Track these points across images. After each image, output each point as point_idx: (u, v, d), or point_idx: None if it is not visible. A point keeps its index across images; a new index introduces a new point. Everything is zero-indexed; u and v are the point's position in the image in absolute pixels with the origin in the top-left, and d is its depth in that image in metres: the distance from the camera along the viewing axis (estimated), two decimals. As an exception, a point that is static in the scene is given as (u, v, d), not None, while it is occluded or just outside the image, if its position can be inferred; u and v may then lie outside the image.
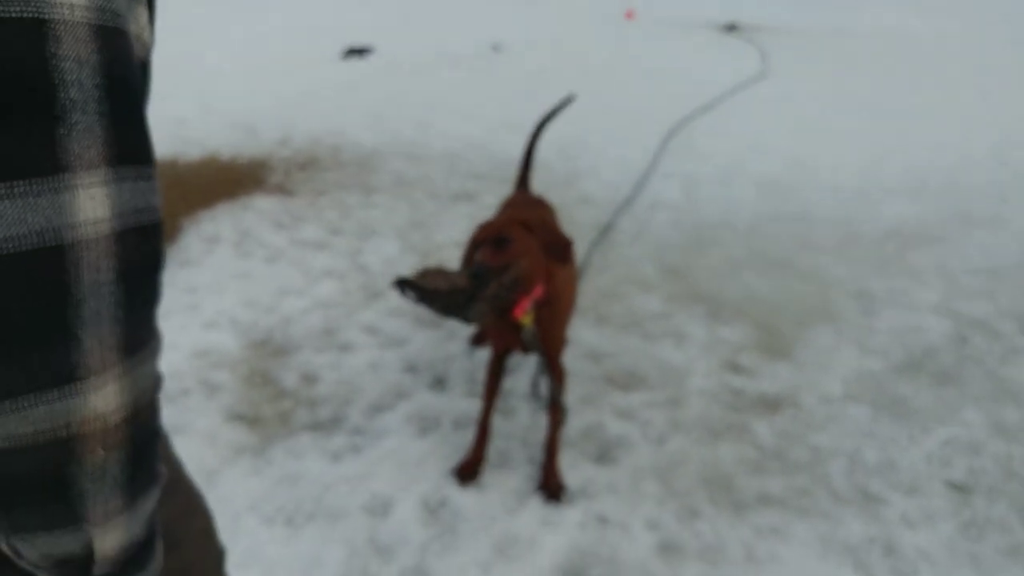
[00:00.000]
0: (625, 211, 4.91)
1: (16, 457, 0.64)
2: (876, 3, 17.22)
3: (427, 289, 2.23)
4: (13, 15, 0.58)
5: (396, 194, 5.15)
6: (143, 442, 0.70)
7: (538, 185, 5.08)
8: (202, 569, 1.14)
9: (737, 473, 2.76)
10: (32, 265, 0.60)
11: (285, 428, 2.91)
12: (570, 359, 3.27)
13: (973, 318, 3.79)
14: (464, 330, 3.53)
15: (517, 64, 8.90)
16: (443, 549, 2.38)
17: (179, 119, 6.32)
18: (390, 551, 2.37)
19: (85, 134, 0.61)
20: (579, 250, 4.16)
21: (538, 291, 2.44)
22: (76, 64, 0.61)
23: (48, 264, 0.61)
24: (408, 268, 4.07)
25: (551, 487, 2.60)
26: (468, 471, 2.66)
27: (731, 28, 12.09)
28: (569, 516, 2.53)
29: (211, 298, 3.77)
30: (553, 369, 2.63)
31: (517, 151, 5.67)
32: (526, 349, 2.57)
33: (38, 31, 0.59)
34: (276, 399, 3.07)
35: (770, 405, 3.13)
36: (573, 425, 2.91)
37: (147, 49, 0.74)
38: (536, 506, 2.56)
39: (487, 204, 4.90)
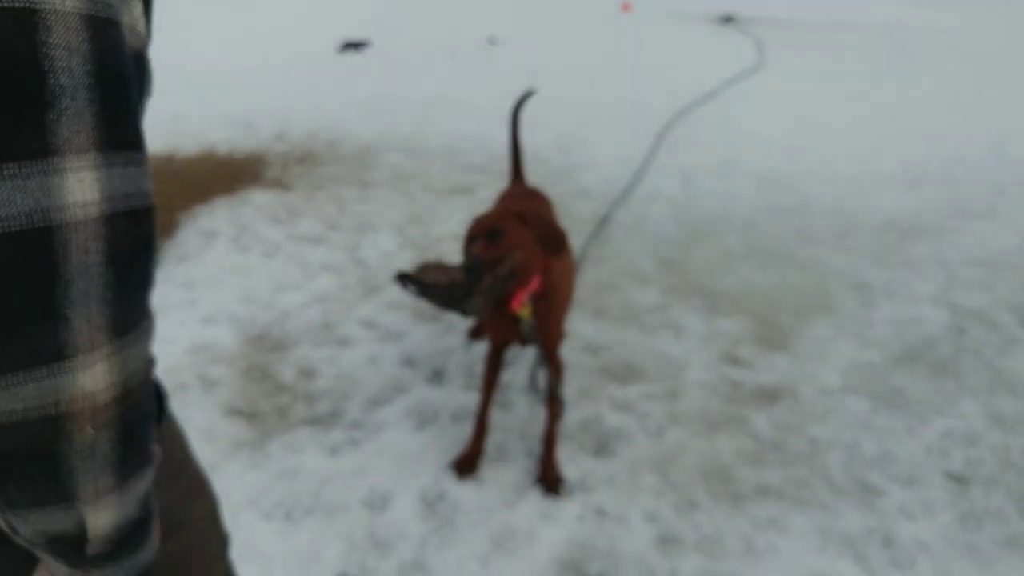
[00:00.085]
0: (622, 204, 4.91)
1: (7, 434, 0.65)
2: (873, -6, 17.23)
3: (426, 283, 2.24)
4: (5, 5, 0.60)
5: (393, 188, 5.15)
6: (134, 422, 0.72)
7: (535, 178, 5.07)
8: (205, 553, 1.14)
9: (735, 465, 2.76)
10: (21, 245, 0.62)
11: (283, 423, 2.91)
12: (568, 352, 3.27)
13: (971, 309, 3.79)
14: (462, 323, 3.53)
15: (513, 57, 8.88)
16: (442, 543, 2.39)
17: (176, 114, 6.31)
18: (389, 545, 2.37)
19: (75, 119, 0.63)
20: (576, 243, 4.16)
21: (535, 283, 2.43)
22: (66, 52, 0.62)
23: (37, 245, 0.62)
24: (406, 262, 4.07)
25: (549, 480, 2.60)
26: (466, 464, 2.66)
27: (727, 20, 12.08)
28: (567, 509, 2.53)
29: (208, 293, 3.76)
30: (551, 362, 2.63)
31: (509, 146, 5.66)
32: (524, 342, 2.57)
33: (29, 20, 0.61)
34: (274, 394, 3.07)
35: (768, 397, 3.13)
36: (571, 418, 2.91)
37: (142, 40, 0.76)
38: (534, 499, 2.57)
39: (484, 197, 4.90)
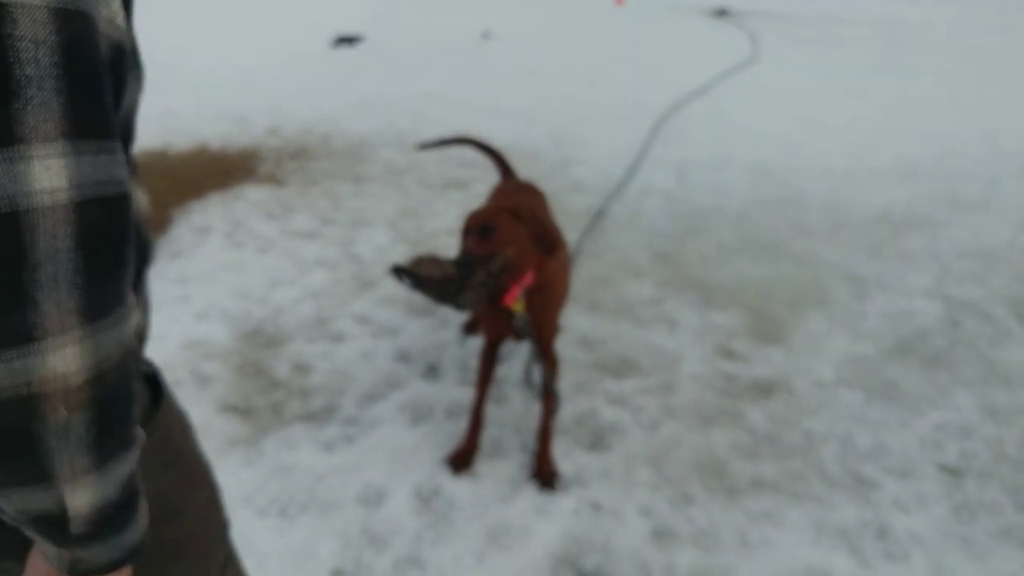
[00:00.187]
0: (617, 198, 4.91)
1: None
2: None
3: (421, 276, 2.27)
4: None
5: (387, 183, 5.14)
6: (109, 405, 0.73)
7: (529, 172, 5.06)
8: (205, 539, 1.15)
9: (730, 458, 2.76)
10: None
11: (277, 419, 2.91)
12: (562, 346, 3.27)
13: (964, 302, 3.80)
14: (456, 318, 3.52)
15: (507, 52, 8.87)
16: (437, 538, 2.39)
17: (169, 110, 6.29)
18: (384, 541, 2.37)
19: (41, 108, 0.65)
20: (571, 237, 4.16)
21: (529, 278, 2.44)
22: (32, 44, 0.64)
23: (4, 229, 0.64)
24: (400, 257, 4.06)
25: (544, 475, 2.61)
26: (461, 460, 2.66)
27: (721, 13, 12.07)
28: (563, 503, 2.53)
29: (202, 289, 3.75)
30: (546, 356, 2.63)
31: (508, 139, 5.66)
32: (518, 336, 2.57)
33: None
34: (268, 390, 3.07)
35: (763, 390, 3.13)
36: (566, 412, 2.91)
37: (121, 32, 0.77)
38: (530, 494, 2.57)
39: (478, 192, 4.89)
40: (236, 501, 2.50)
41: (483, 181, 5.03)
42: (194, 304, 3.62)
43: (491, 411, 2.93)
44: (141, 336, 1.00)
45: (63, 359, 0.68)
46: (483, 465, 2.69)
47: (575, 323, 3.49)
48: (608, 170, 5.37)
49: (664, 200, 4.94)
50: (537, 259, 2.44)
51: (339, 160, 5.52)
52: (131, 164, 0.94)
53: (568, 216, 4.45)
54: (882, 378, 3.22)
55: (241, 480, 2.60)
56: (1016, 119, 6.64)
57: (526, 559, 2.32)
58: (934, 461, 2.77)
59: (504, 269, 2.33)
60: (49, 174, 0.65)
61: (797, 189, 5.17)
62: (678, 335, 3.48)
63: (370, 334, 3.43)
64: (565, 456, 2.73)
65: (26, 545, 0.87)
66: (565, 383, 3.05)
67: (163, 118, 6.11)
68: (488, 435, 2.81)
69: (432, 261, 2.36)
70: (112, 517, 0.79)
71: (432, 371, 3.20)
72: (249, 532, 2.38)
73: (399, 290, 3.71)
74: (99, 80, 0.71)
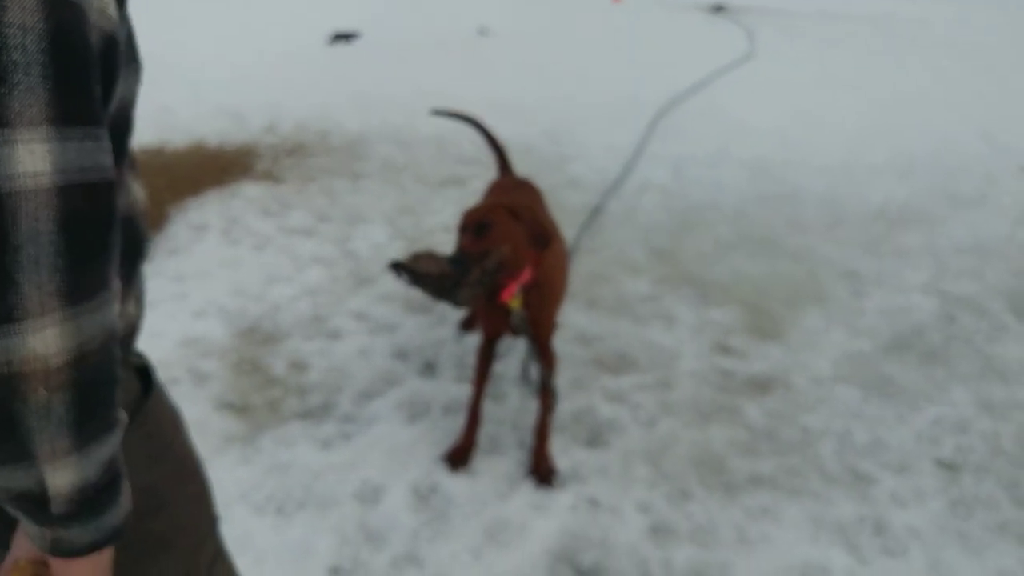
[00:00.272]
0: (614, 194, 4.91)
1: None
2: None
3: (419, 272, 2.29)
4: None
5: (384, 179, 5.13)
6: (90, 387, 0.74)
7: (526, 168, 5.05)
8: (194, 533, 1.15)
9: (728, 455, 2.76)
10: None
11: (275, 416, 2.90)
12: (560, 343, 3.27)
13: (961, 297, 3.80)
14: (453, 315, 3.52)
15: (504, 48, 8.85)
16: (434, 535, 2.39)
17: (165, 107, 6.27)
18: (381, 538, 2.37)
19: (27, 94, 0.66)
20: (568, 234, 4.15)
21: (526, 275, 2.44)
22: (20, 31, 0.66)
23: None
24: (397, 254, 4.06)
25: (542, 471, 2.61)
26: (459, 457, 2.66)
27: (718, 9, 12.06)
28: (560, 500, 2.53)
29: (199, 286, 3.75)
30: (543, 353, 2.63)
31: (505, 135, 5.63)
32: (516, 333, 2.57)
33: None
34: (265, 387, 3.06)
35: (760, 386, 3.13)
36: (563, 409, 2.91)
37: (113, 23, 0.78)
38: (527, 491, 2.57)
39: (476, 189, 4.88)
40: (233, 499, 2.50)
41: (480, 178, 5.03)
42: (191, 302, 3.62)
43: (488, 408, 2.92)
44: (134, 328, 1.01)
45: (43, 340, 0.70)
46: (481, 462, 2.69)
47: (572, 320, 3.49)
48: (605, 166, 5.37)
49: (661, 196, 4.94)
50: (534, 256, 2.44)
51: (336, 157, 5.51)
52: (130, 157, 0.96)
53: (565, 213, 4.45)
54: (879, 374, 3.23)
55: (238, 478, 2.59)
56: (1013, 115, 6.64)
57: (524, 556, 2.32)
58: (931, 456, 2.78)
59: (500, 267, 2.33)
60: (33, 158, 0.67)
61: (794, 185, 5.17)
62: (675, 331, 3.48)
63: (367, 331, 3.42)
64: (563, 453, 2.73)
65: (12, 529, 0.88)
66: (562, 380, 3.05)
67: (159, 115, 6.10)
68: (485, 432, 2.81)
69: (430, 257, 2.38)
70: (93, 499, 0.79)
71: (429, 368, 3.20)
72: (246, 529, 2.38)
73: (396, 287, 3.71)
74: (86, 68, 0.72)
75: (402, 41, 8.89)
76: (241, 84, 7.14)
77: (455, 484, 2.59)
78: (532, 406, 2.91)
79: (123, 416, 0.83)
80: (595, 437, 2.83)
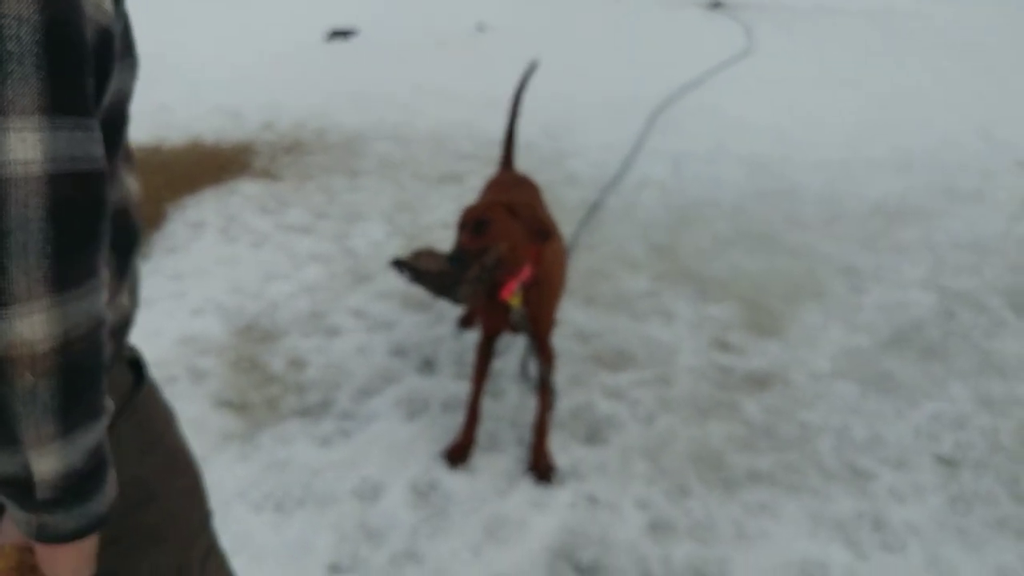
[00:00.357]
0: (612, 190, 4.90)
1: None
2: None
3: (420, 269, 2.30)
4: None
5: (382, 176, 5.13)
6: (76, 373, 0.75)
7: (524, 165, 5.05)
8: (185, 526, 1.16)
9: (726, 451, 2.76)
10: None
11: (273, 414, 2.90)
12: (558, 339, 3.27)
13: (959, 293, 3.80)
14: (452, 312, 3.52)
15: (502, 44, 8.84)
16: (433, 532, 2.39)
17: (162, 104, 6.26)
18: (380, 535, 2.37)
19: (20, 83, 0.68)
20: (567, 230, 4.15)
21: (525, 273, 2.44)
22: (16, 21, 0.67)
23: None
24: (395, 251, 4.05)
25: (541, 468, 2.61)
26: (458, 454, 2.66)
27: (716, 5, 12.04)
28: (559, 497, 2.53)
29: (197, 284, 3.74)
30: (542, 350, 2.63)
31: (503, 131, 5.64)
32: (515, 330, 2.57)
33: None
34: (264, 385, 3.06)
35: (759, 382, 3.13)
36: (562, 405, 2.91)
37: (109, 17, 0.79)
38: (526, 487, 2.57)
39: (474, 185, 4.88)
40: (231, 496, 2.50)
41: (478, 174, 5.02)
42: (189, 299, 3.61)
43: (487, 405, 2.92)
44: (128, 320, 1.02)
45: (30, 326, 0.71)
46: (479, 459, 2.69)
47: (571, 316, 3.49)
48: (603, 162, 5.37)
49: (659, 192, 4.94)
50: (534, 253, 2.45)
51: (334, 154, 5.51)
52: (125, 150, 0.97)
53: (563, 209, 4.44)
54: (878, 370, 3.23)
55: (236, 475, 2.59)
56: (1011, 110, 6.64)
57: (523, 553, 2.32)
58: (930, 452, 2.78)
59: (498, 264, 2.34)
60: (24, 146, 0.68)
61: (792, 181, 5.16)
62: (674, 328, 3.47)
63: (365, 328, 3.42)
64: (561, 449, 2.73)
65: (0, 515, 0.89)
66: (561, 376, 3.05)
67: (156, 113, 6.09)
68: (484, 429, 2.81)
69: (430, 255, 2.40)
70: (78, 485, 0.80)
71: (428, 365, 3.20)
72: (245, 527, 2.38)
73: (395, 284, 3.71)
74: (80, 60, 0.73)
75: (400, 38, 8.88)
76: (238, 82, 7.13)
77: (454, 481, 2.59)
78: (531, 403, 2.91)
79: (110, 404, 0.84)
80: (594, 434, 2.83)
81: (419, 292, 3.59)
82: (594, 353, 3.28)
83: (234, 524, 2.38)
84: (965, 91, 7.26)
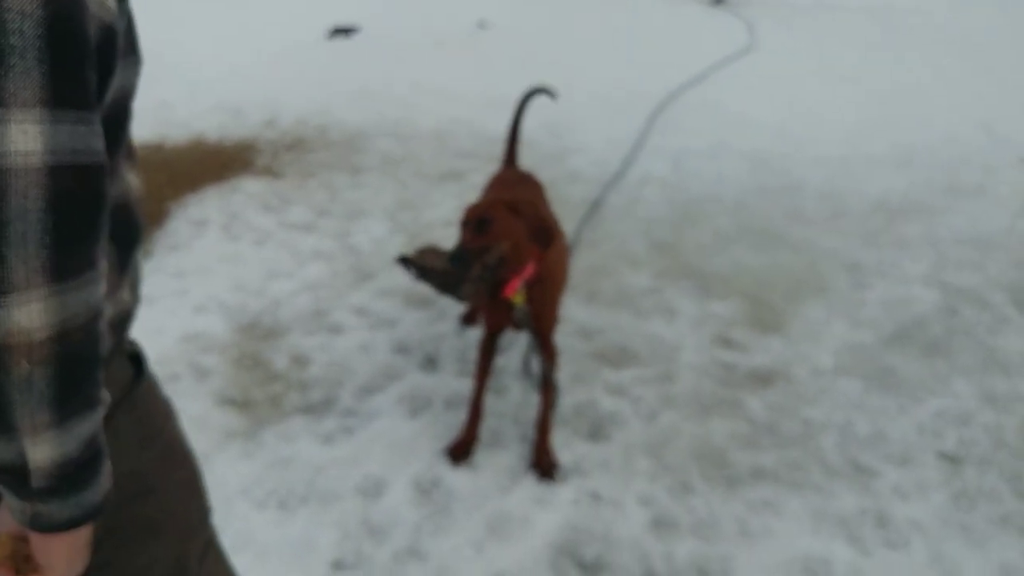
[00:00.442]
0: (614, 187, 4.90)
1: None
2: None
3: (425, 266, 2.32)
4: None
5: (384, 174, 5.12)
6: (72, 363, 0.76)
7: (526, 162, 5.03)
8: (184, 521, 1.17)
9: (729, 448, 2.76)
10: None
11: (276, 411, 2.90)
12: (561, 336, 3.26)
13: (962, 289, 3.80)
14: (454, 309, 3.52)
15: (503, 41, 8.83)
16: (436, 529, 2.39)
17: (164, 102, 6.26)
18: (383, 532, 2.37)
19: (22, 76, 0.69)
20: (569, 227, 4.14)
21: (529, 271, 2.44)
22: (19, 16, 0.68)
23: None
24: (397, 249, 4.05)
25: (544, 465, 2.61)
26: (460, 451, 2.66)
27: (718, 2, 12.02)
28: (562, 494, 2.53)
29: (199, 282, 3.75)
30: (545, 347, 2.63)
31: (504, 129, 5.64)
32: (518, 327, 2.57)
33: None
34: (266, 382, 3.06)
35: (761, 379, 3.13)
36: (565, 402, 2.91)
37: (113, 14, 0.80)
38: (529, 484, 2.57)
39: (475, 183, 4.87)
40: (234, 494, 2.50)
41: (480, 171, 5.02)
42: (192, 297, 3.61)
43: (490, 402, 2.92)
44: (128, 314, 1.03)
45: (28, 314, 0.71)
46: (482, 456, 2.69)
47: (573, 313, 3.49)
48: (605, 159, 5.36)
49: (661, 189, 4.93)
50: (537, 252, 2.45)
51: (336, 151, 5.50)
52: (128, 147, 0.98)
53: (565, 206, 4.44)
54: (881, 366, 3.22)
55: (240, 473, 2.59)
56: (1012, 106, 6.62)
57: (526, 549, 2.32)
58: (933, 449, 2.78)
59: (500, 263, 2.34)
60: (25, 138, 0.69)
61: (794, 177, 5.16)
62: (676, 324, 3.47)
63: (368, 326, 3.42)
64: (564, 446, 2.73)
65: None
66: (564, 373, 3.05)
67: (158, 110, 6.09)
68: (487, 426, 2.81)
69: (434, 252, 2.41)
70: (73, 474, 0.81)
71: (430, 362, 3.20)
72: (248, 525, 2.38)
73: (397, 281, 3.71)
74: (82, 55, 0.74)
75: (401, 35, 8.87)
76: (240, 79, 7.13)
77: (457, 478, 2.59)
78: (534, 400, 2.91)
79: (106, 396, 0.84)
80: (596, 430, 2.83)
81: (421, 289, 3.59)
82: (597, 350, 3.27)
83: (237, 522, 2.38)
84: (966, 87, 7.25)
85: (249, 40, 8.37)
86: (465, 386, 2.98)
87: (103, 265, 0.79)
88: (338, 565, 2.26)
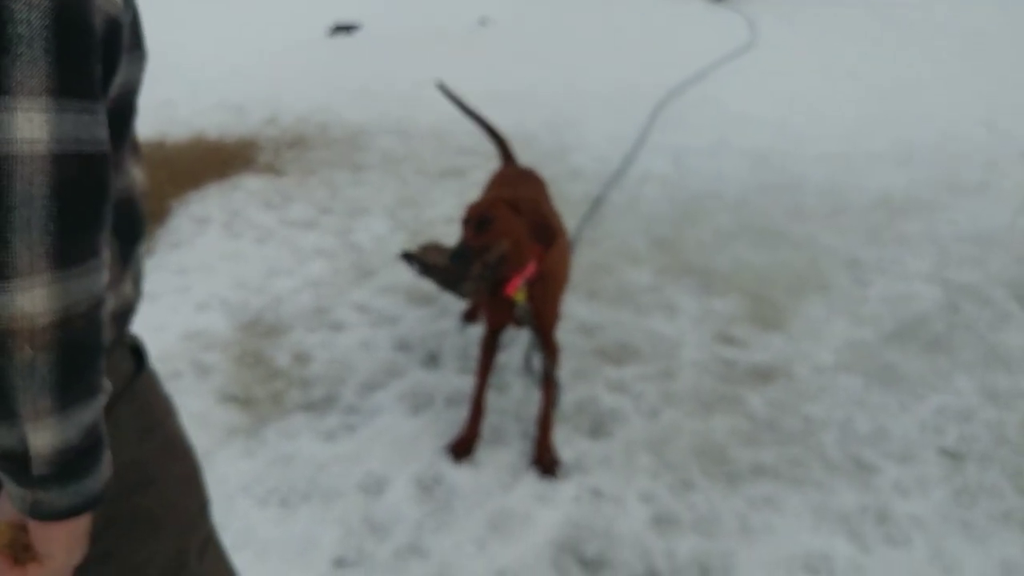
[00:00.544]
0: (615, 184, 4.90)
1: None
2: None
3: (427, 263, 2.33)
4: None
5: (385, 171, 5.13)
6: (75, 350, 0.77)
7: (527, 159, 5.04)
8: (185, 514, 1.17)
9: (730, 444, 2.76)
10: None
11: (278, 408, 2.91)
12: (562, 333, 3.26)
13: (964, 285, 3.80)
14: (456, 306, 3.52)
15: (504, 38, 8.83)
16: (438, 526, 2.39)
17: (166, 100, 6.26)
18: (385, 529, 2.38)
19: (29, 65, 0.70)
20: (569, 224, 4.14)
21: (530, 269, 2.45)
22: (26, 6, 0.69)
23: None
24: (398, 246, 4.05)
25: (545, 462, 2.61)
26: (462, 448, 2.67)
27: (719, -2, 12.01)
28: (564, 491, 2.53)
29: (201, 279, 3.75)
30: (546, 344, 2.64)
31: (505, 126, 5.63)
32: (519, 324, 2.58)
33: None
34: (268, 380, 3.07)
35: (762, 376, 3.13)
36: (566, 399, 2.91)
37: (118, 8, 0.82)
38: (531, 481, 2.57)
39: (476, 180, 4.87)
40: (236, 491, 2.50)
41: (481, 169, 5.02)
42: (193, 295, 3.62)
43: (491, 399, 2.92)
44: (130, 308, 1.04)
45: (31, 299, 0.72)
46: (484, 453, 2.70)
47: (574, 310, 3.49)
48: (606, 156, 5.36)
49: (662, 186, 4.93)
50: (538, 250, 2.45)
51: (337, 149, 5.51)
52: (132, 141, 0.99)
53: (566, 203, 4.43)
54: (882, 363, 3.22)
55: (241, 470, 2.60)
56: (1014, 102, 6.61)
57: (527, 546, 2.33)
58: (934, 445, 2.78)
59: (501, 261, 2.35)
60: (31, 126, 0.70)
61: (795, 174, 5.15)
62: (677, 321, 3.47)
63: (369, 323, 3.42)
64: (566, 443, 2.73)
65: None
66: (565, 370, 3.05)
67: (160, 108, 6.10)
68: (489, 423, 2.81)
69: (437, 249, 2.42)
70: (74, 461, 0.81)
71: (432, 359, 3.20)
72: (250, 522, 2.39)
73: (398, 278, 3.71)
74: (87, 46, 0.75)
75: (403, 32, 8.87)
76: (241, 77, 7.13)
77: (459, 475, 2.59)
78: (535, 397, 2.91)
79: (107, 384, 0.85)
80: (598, 427, 2.83)
81: (423, 286, 3.60)
82: (598, 347, 3.28)
83: (239, 519, 2.39)
84: (967, 83, 7.24)
85: (251, 38, 8.37)
86: (467, 383, 2.98)
87: (106, 254, 0.80)
88: (340, 562, 2.27)
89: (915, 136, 5.83)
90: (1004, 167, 5.29)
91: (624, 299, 3.64)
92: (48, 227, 0.72)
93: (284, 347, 3.26)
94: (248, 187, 4.79)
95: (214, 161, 5.17)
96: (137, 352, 1.09)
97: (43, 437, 0.78)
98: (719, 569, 2.28)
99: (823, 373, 3.15)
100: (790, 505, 2.50)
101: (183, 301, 3.56)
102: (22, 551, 0.89)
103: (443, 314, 3.49)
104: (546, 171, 4.60)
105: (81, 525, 0.88)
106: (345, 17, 9.41)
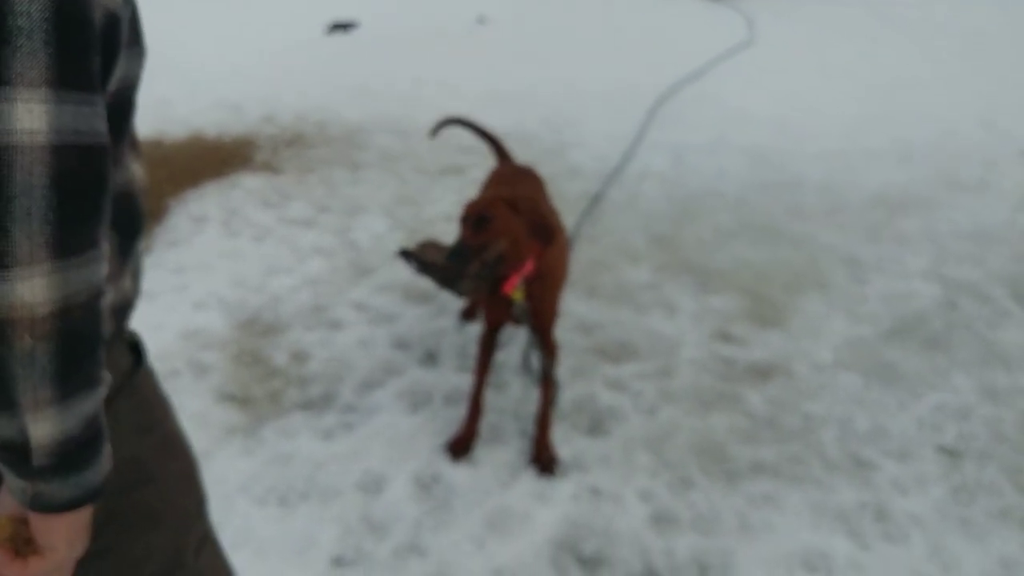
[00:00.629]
0: (614, 182, 4.89)
1: None
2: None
3: (425, 261, 2.33)
4: None
5: (383, 169, 5.12)
6: (74, 340, 0.77)
7: (525, 157, 5.04)
8: (183, 511, 1.18)
9: (729, 442, 2.76)
10: None
11: (276, 407, 2.90)
12: (561, 331, 3.26)
13: (962, 283, 3.80)
14: (454, 305, 3.52)
15: (502, 36, 8.82)
16: (437, 525, 2.39)
17: (163, 99, 6.25)
18: (384, 528, 2.38)
19: (28, 57, 0.71)
20: (568, 221, 4.14)
21: (528, 267, 2.44)
22: None
23: None
24: (397, 244, 4.05)
25: (544, 460, 2.61)
26: (460, 446, 2.66)
27: (718, -4, 12.00)
28: (562, 489, 2.53)
29: (199, 278, 3.75)
30: (545, 343, 2.64)
31: (504, 124, 5.63)
32: (518, 322, 2.58)
33: None
34: (266, 378, 3.06)
35: (761, 374, 3.13)
36: (565, 397, 2.91)
37: (117, 3, 0.83)
38: (529, 480, 2.57)
39: (475, 178, 4.87)
40: (234, 490, 2.50)
41: (480, 167, 5.01)
42: (191, 293, 3.61)
43: (490, 397, 2.92)
44: (130, 303, 1.04)
45: (31, 289, 0.72)
46: (482, 451, 2.69)
47: (573, 308, 3.49)
48: (605, 154, 5.36)
49: (661, 184, 4.93)
50: (536, 248, 2.45)
51: (335, 147, 5.50)
52: (131, 136, 1.00)
53: (565, 201, 4.43)
54: (881, 360, 3.22)
55: (239, 469, 2.59)
56: (1013, 100, 6.61)
57: (526, 544, 2.33)
58: (933, 443, 2.78)
59: (499, 260, 2.34)
60: (31, 116, 0.71)
61: (794, 172, 5.15)
62: (676, 319, 3.47)
63: (368, 321, 3.42)
64: (564, 441, 2.73)
65: None
66: (563, 368, 3.05)
67: (158, 107, 6.08)
68: (487, 421, 2.81)
69: (435, 247, 2.42)
70: (74, 453, 0.81)
71: (430, 358, 3.20)
72: (248, 521, 2.38)
73: (397, 277, 3.71)
74: (87, 39, 0.76)
75: (401, 30, 8.86)
76: (239, 75, 7.12)
77: (457, 474, 2.59)
78: (533, 395, 2.91)
79: (107, 376, 0.85)
80: (596, 426, 2.83)
81: (421, 285, 3.59)
82: (596, 345, 3.28)
83: (237, 518, 2.38)
84: (966, 81, 7.24)
85: (249, 37, 8.36)
86: (465, 382, 2.98)
87: (105, 246, 0.80)
88: (338, 561, 2.27)
89: (914, 134, 5.83)
90: (1003, 166, 5.29)
91: (623, 297, 3.63)
92: (48, 217, 0.72)
93: (282, 346, 3.25)
94: (246, 185, 4.78)
95: (212, 160, 5.16)
96: (136, 348, 1.09)
97: (43, 427, 0.78)
98: (718, 567, 2.28)
99: (822, 371, 3.15)
100: (789, 503, 2.50)
101: (181, 300, 3.56)
102: (23, 544, 0.89)
103: (441, 312, 3.49)
104: (545, 169, 4.60)
105: (82, 518, 0.88)
106: (343, 15, 9.40)
